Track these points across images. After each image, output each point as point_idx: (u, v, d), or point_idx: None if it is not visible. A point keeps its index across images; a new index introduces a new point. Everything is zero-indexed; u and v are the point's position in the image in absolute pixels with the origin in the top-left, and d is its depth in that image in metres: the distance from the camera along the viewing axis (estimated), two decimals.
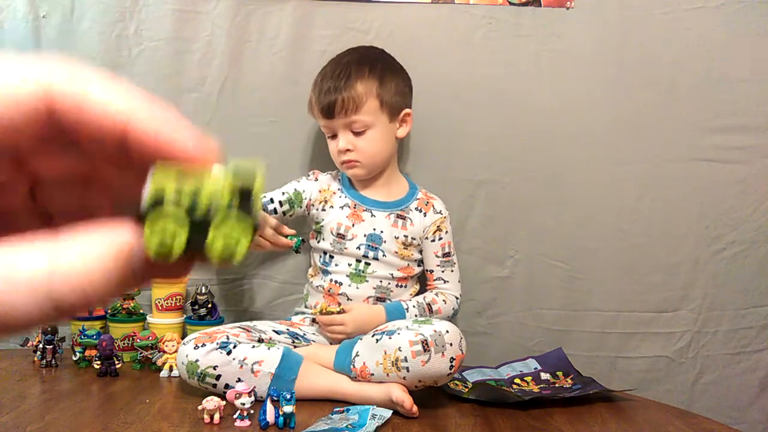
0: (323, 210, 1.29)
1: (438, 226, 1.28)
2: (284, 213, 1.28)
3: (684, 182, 1.39)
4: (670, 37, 1.37)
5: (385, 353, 1.04)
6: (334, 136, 1.25)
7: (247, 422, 0.94)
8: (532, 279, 1.41)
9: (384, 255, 1.25)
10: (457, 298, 1.28)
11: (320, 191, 1.30)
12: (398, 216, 1.27)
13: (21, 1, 1.36)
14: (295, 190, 1.30)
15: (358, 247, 1.25)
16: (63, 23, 1.37)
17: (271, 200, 1.27)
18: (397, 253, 1.25)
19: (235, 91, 1.38)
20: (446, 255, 1.29)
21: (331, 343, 1.21)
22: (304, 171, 1.38)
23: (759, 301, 1.40)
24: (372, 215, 1.27)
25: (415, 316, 1.21)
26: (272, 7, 1.37)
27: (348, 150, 1.22)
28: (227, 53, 1.37)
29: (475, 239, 1.40)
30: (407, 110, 1.27)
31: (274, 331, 1.18)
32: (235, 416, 0.95)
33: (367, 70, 1.22)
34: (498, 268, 1.41)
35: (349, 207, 1.28)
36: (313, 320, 1.26)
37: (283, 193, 1.29)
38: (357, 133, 1.22)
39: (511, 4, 1.37)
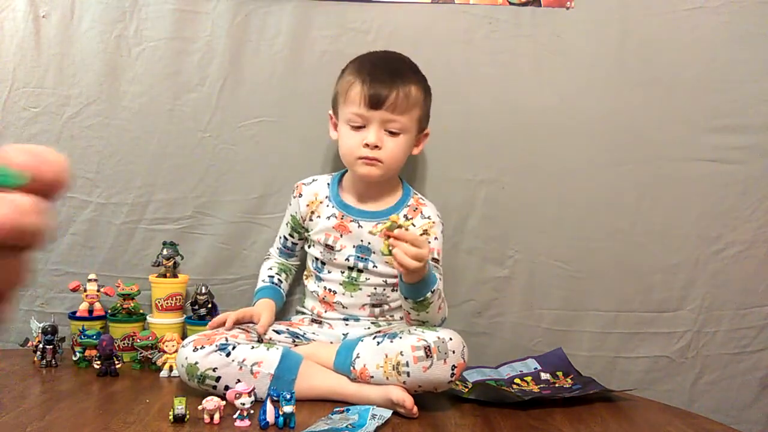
0: (311, 220, 1.25)
1: (425, 230, 1.21)
2: (299, 240, 1.30)
3: (684, 182, 1.39)
4: (670, 37, 1.37)
5: (386, 356, 1.03)
6: (360, 128, 1.17)
7: (247, 422, 0.94)
8: (532, 279, 1.40)
9: (375, 266, 1.21)
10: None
11: (307, 205, 1.26)
12: None
13: (21, 1, 1.36)
14: (292, 216, 1.28)
15: (347, 258, 1.21)
16: (63, 23, 1.37)
17: (285, 237, 1.30)
18: (387, 262, 1.20)
19: (235, 91, 1.38)
20: (434, 260, 1.19)
21: (346, 324, 1.19)
22: (304, 171, 1.37)
23: (759, 301, 1.40)
24: (359, 226, 1.21)
25: (438, 297, 1.11)
26: (272, 7, 1.37)
27: (377, 146, 1.16)
28: (227, 53, 1.37)
29: (475, 239, 1.40)
30: (428, 130, 1.26)
31: (273, 330, 1.18)
32: (235, 416, 0.95)
33: (417, 78, 1.20)
34: (498, 268, 1.40)
35: (336, 217, 1.23)
36: (322, 303, 1.24)
37: (287, 224, 1.29)
38: (390, 134, 1.17)
39: (511, 4, 1.37)
